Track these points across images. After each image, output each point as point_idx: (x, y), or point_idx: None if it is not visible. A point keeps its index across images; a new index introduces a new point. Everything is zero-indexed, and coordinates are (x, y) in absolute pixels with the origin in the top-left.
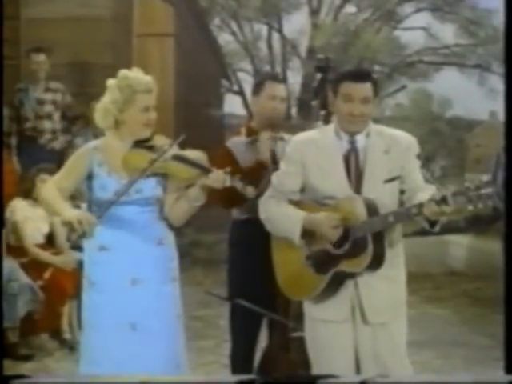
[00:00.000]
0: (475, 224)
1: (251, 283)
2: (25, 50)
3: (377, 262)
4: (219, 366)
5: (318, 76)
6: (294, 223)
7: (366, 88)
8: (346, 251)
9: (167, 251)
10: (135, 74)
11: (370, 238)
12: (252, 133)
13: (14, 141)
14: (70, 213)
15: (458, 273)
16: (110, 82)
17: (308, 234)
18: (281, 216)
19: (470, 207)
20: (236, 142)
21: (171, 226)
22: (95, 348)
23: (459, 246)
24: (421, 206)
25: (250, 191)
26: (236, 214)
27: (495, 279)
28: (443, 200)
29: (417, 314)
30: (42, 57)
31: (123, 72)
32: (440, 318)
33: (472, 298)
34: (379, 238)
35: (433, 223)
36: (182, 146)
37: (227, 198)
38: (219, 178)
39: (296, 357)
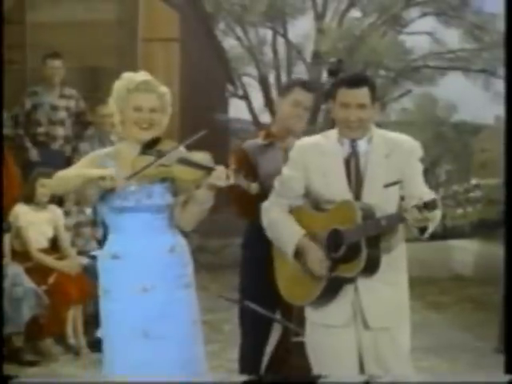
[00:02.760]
0: (480, 229)
1: (261, 285)
2: (41, 55)
3: (372, 267)
4: (225, 371)
5: (330, 80)
6: (288, 242)
7: (361, 93)
8: (341, 256)
9: (180, 258)
10: (132, 74)
11: (363, 242)
12: (270, 136)
13: (28, 144)
14: (99, 170)
15: (463, 278)
16: (115, 82)
17: None
18: (279, 229)
19: (460, 210)
20: (252, 144)
21: (181, 231)
22: (113, 356)
23: (464, 251)
24: (404, 211)
25: (253, 188)
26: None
27: (500, 284)
28: (425, 206)
29: (422, 319)
30: (58, 63)
31: (123, 75)
32: (445, 323)
33: (477, 303)
34: (374, 243)
35: (422, 230)
36: (188, 149)
37: (238, 201)
38: (222, 175)
39: (298, 361)
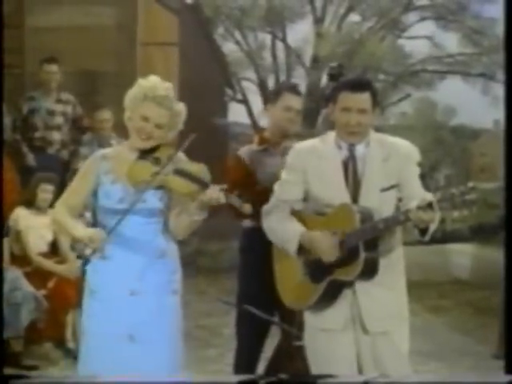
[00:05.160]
0: (479, 233)
1: (259, 289)
2: (38, 59)
3: (370, 270)
4: (223, 375)
5: (330, 84)
6: (291, 238)
7: (363, 98)
8: (340, 259)
9: (169, 264)
10: (158, 82)
11: (361, 246)
12: (264, 142)
13: (25, 149)
14: (81, 231)
15: (462, 282)
16: (139, 80)
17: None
18: (280, 228)
19: (456, 213)
20: (248, 151)
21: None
22: (92, 356)
23: (463, 255)
24: (407, 212)
25: (246, 208)
26: (245, 222)
27: (499, 288)
28: (429, 206)
29: (421, 322)
30: (54, 67)
31: (151, 77)
32: (444, 327)
33: (476, 307)
34: (372, 246)
35: (423, 231)
36: (187, 155)
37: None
38: (214, 195)
39: (300, 365)
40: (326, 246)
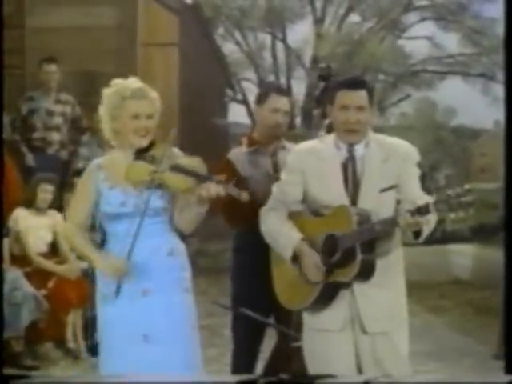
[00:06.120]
0: (480, 233)
1: (254, 291)
2: (38, 60)
3: (367, 272)
4: (224, 375)
5: (321, 85)
6: (287, 245)
7: (360, 96)
8: (337, 261)
9: (178, 261)
10: (124, 81)
11: (358, 247)
12: (254, 143)
13: (24, 149)
14: (102, 263)
15: (463, 282)
16: (104, 90)
17: None
18: (277, 234)
19: (452, 215)
20: (237, 154)
21: (179, 235)
22: (112, 360)
23: (464, 255)
24: (398, 216)
25: (244, 196)
26: (237, 229)
27: (500, 288)
28: (418, 210)
29: (422, 323)
30: (53, 67)
31: (115, 80)
32: (445, 328)
33: (476, 308)
34: (369, 248)
35: (417, 234)
36: (185, 152)
37: (228, 208)
38: (212, 189)
39: (297, 367)
40: (312, 268)
